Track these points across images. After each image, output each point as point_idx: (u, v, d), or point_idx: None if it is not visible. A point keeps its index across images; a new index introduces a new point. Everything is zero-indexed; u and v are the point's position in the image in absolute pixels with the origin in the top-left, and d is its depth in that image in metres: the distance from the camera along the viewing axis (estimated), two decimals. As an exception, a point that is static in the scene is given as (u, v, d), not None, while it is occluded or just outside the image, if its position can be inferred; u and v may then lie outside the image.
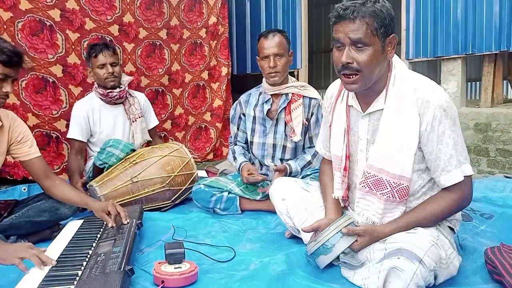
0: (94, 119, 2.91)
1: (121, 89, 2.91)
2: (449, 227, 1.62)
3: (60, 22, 3.35)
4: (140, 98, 3.13)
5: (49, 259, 1.55)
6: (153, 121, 3.22)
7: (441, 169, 1.50)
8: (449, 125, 1.47)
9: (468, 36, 3.61)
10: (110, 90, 2.87)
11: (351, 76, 1.47)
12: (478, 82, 4.19)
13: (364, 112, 1.61)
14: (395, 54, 1.57)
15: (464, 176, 1.51)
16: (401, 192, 1.52)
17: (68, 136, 2.91)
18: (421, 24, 3.89)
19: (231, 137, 2.82)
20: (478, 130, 3.52)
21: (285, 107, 2.54)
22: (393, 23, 1.47)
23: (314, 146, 2.57)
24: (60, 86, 3.38)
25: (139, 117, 3.03)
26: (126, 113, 2.99)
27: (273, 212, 2.23)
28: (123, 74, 3.05)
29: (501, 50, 3.48)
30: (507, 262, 1.43)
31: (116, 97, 2.90)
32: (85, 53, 3.46)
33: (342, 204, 1.74)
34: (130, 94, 3.04)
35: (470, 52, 3.62)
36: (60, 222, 2.22)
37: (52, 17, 3.30)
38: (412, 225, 1.51)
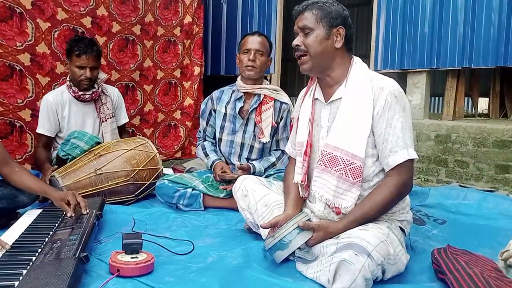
0: (63, 114, 2.86)
1: (95, 89, 2.87)
2: (400, 227, 1.69)
3: (31, 10, 3.28)
4: (114, 94, 3.09)
5: (3, 242, 1.55)
6: (124, 118, 3.20)
7: (389, 150, 1.61)
8: (398, 110, 1.61)
9: (434, 51, 3.75)
10: (82, 93, 2.82)
11: (301, 58, 1.72)
12: (443, 98, 4.36)
13: (326, 102, 1.74)
14: (358, 57, 1.76)
15: (408, 160, 1.60)
16: (354, 171, 1.61)
17: (37, 131, 2.87)
18: (390, 37, 4.01)
19: (199, 131, 2.83)
20: (439, 141, 3.65)
21: (256, 107, 2.59)
22: (341, 19, 1.70)
23: (280, 150, 2.64)
24: (27, 75, 3.31)
25: (110, 118, 2.98)
26: (97, 112, 2.94)
27: (235, 209, 2.26)
28: (99, 71, 2.98)
29: (463, 66, 3.63)
30: (451, 262, 1.50)
31: (87, 99, 2.86)
32: (55, 44, 3.43)
33: (301, 194, 1.82)
34: (103, 91, 2.98)
35: (435, 67, 3.76)
36: (19, 211, 2.19)
37: (22, 4, 3.23)
38: (360, 217, 1.59)
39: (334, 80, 1.73)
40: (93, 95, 2.87)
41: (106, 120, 2.96)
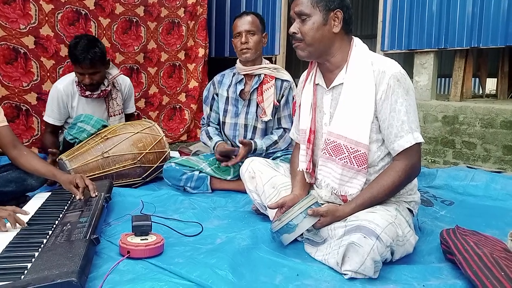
0: (72, 105, 2.80)
1: (103, 88, 2.77)
2: (408, 209, 1.69)
3: (33, -9, 3.26)
4: (125, 85, 3.00)
5: (21, 220, 1.61)
6: (131, 108, 3.15)
7: (394, 135, 1.59)
8: (401, 94, 1.57)
9: (442, 31, 3.70)
10: (89, 93, 2.73)
11: (298, 45, 1.67)
12: (450, 79, 4.32)
13: (327, 88, 1.71)
14: (358, 38, 1.72)
15: (415, 144, 1.58)
16: (358, 159, 1.60)
17: (44, 119, 2.84)
18: (397, 17, 3.95)
19: (203, 118, 2.82)
20: (446, 122, 3.63)
21: (257, 88, 2.57)
22: (338, 1, 1.64)
23: (282, 128, 2.63)
24: (31, 58, 3.30)
25: (119, 114, 2.93)
26: (106, 105, 2.88)
27: (243, 191, 2.26)
28: (111, 66, 2.90)
29: (472, 46, 3.58)
30: (460, 242, 1.50)
31: (95, 97, 2.79)
32: (58, 26, 3.40)
33: (308, 180, 1.81)
34: (114, 85, 2.89)
35: (443, 47, 3.71)
36: (27, 194, 2.21)
37: (25, -14, 3.21)
38: (368, 200, 1.58)
39: (334, 65, 1.69)
40: (101, 93, 2.78)
41: (114, 115, 2.91)
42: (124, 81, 3.03)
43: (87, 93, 2.74)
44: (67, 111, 2.81)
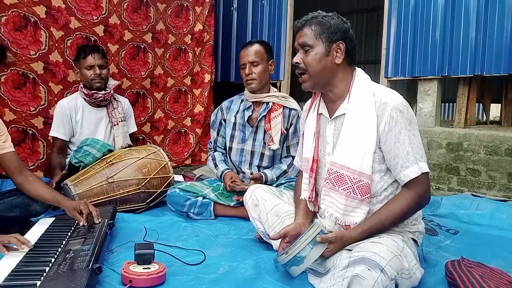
0: (76, 119, 2.94)
1: (107, 91, 2.96)
2: (413, 239, 1.68)
3: (45, 19, 3.34)
4: (124, 103, 3.18)
5: (26, 240, 1.62)
6: (133, 127, 3.29)
7: (400, 166, 1.59)
8: (404, 125, 1.58)
9: (445, 58, 3.73)
10: (95, 92, 2.90)
11: (301, 76, 1.71)
12: (454, 104, 4.34)
13: (330, 118, 1.73)
14: (360, 69, 1.74)
15: (421, 174, 1.58)
16: (361, 188, 1.60)
17: (51, 134, 2.95)
18: (401, 44, 4.00)
19: (210, 142, 2.84)
20: (450, 149, 3.62)
21: (265, 115, 2.59)
22: (341, 33, 1.67)
23: (291, 156, 2.63)
24: (40, 83, 3.35)
25: (121, 121, 3.07)
26: (109, 116, 3.03)
27: (246, 218, 2.26)
28: (110, 78, 3.09)
29: (475, 73, 3.60)
30: (465, 275, 1.49)
31: (100, 99, 2.93)
32: (67, 52, 3.47)
33: (311, 208, 1.80)
34: (114, 98, 3.08)
35: (446, 74, 3.74)
36: (31, 219, 2.21)
37: (37, 13, 3.29)
38: (375, 226, 1.58)
39: (337, 95, 1.71)
40: (106, 96, 2.95)
41: (117, 124, 3.05)
42: (123, 100, 3.22)
43: (93, 91, 2.89)
44: (71, 125, 2.93)
